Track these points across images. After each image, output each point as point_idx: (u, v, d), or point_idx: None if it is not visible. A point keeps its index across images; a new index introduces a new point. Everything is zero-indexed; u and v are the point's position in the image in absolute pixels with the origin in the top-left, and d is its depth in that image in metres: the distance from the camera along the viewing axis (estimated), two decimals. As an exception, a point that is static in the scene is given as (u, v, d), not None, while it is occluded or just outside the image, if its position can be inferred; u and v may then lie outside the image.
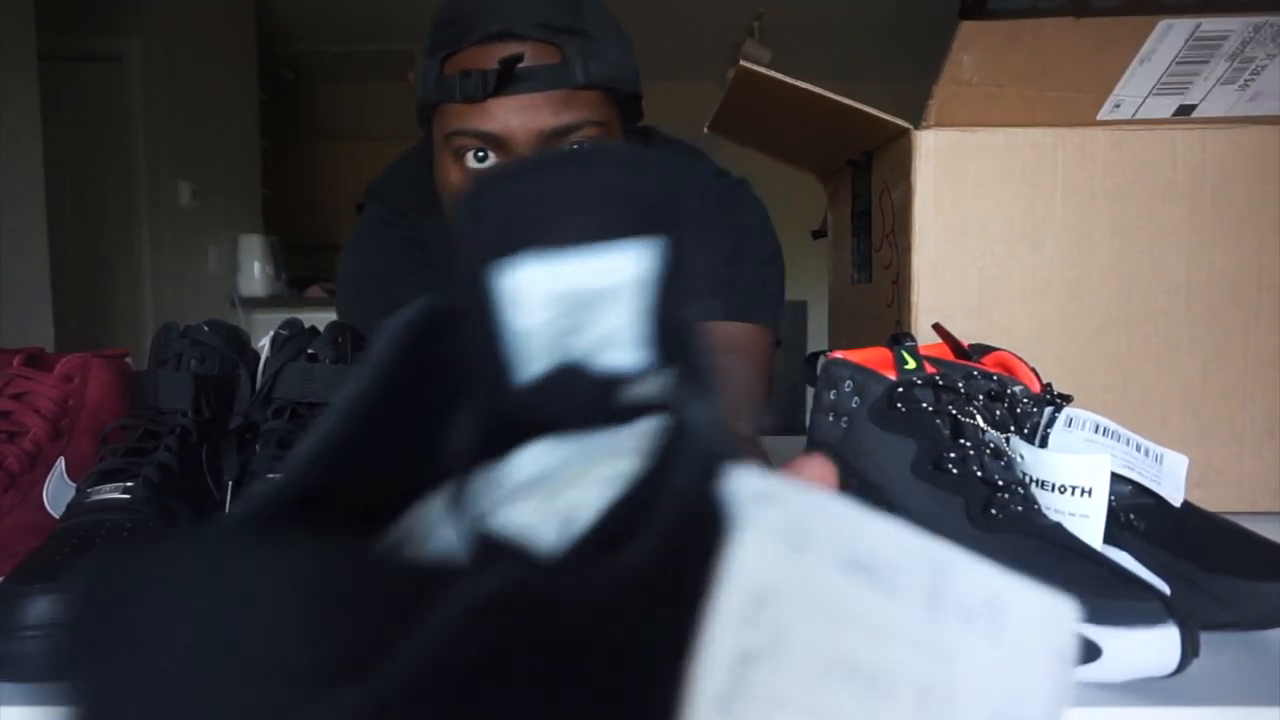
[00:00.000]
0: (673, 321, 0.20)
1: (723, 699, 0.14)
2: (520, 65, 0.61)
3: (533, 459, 0.21)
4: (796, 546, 0.15)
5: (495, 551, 0.19)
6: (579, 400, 0.20)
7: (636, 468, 0.19)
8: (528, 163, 0.19)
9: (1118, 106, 0.63)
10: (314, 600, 0.11)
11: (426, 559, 0.18)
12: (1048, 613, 0.18)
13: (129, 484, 0.47)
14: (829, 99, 0.66)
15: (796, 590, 0.15)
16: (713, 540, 0.16)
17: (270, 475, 0.49)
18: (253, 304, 3.41)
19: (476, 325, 0.20)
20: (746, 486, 0.16)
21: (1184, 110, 0.63)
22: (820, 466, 0.21)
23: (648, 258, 0.20)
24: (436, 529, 0.20)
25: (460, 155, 0.65)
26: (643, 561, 0.15)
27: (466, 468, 0.20)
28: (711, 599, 0.15)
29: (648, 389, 0.20)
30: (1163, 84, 0.61)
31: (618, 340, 0.20)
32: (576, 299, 0.20)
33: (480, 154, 0.65)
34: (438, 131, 0.67)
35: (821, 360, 0.50)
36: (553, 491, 0.20)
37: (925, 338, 0.55)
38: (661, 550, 0.15)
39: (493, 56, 0.61)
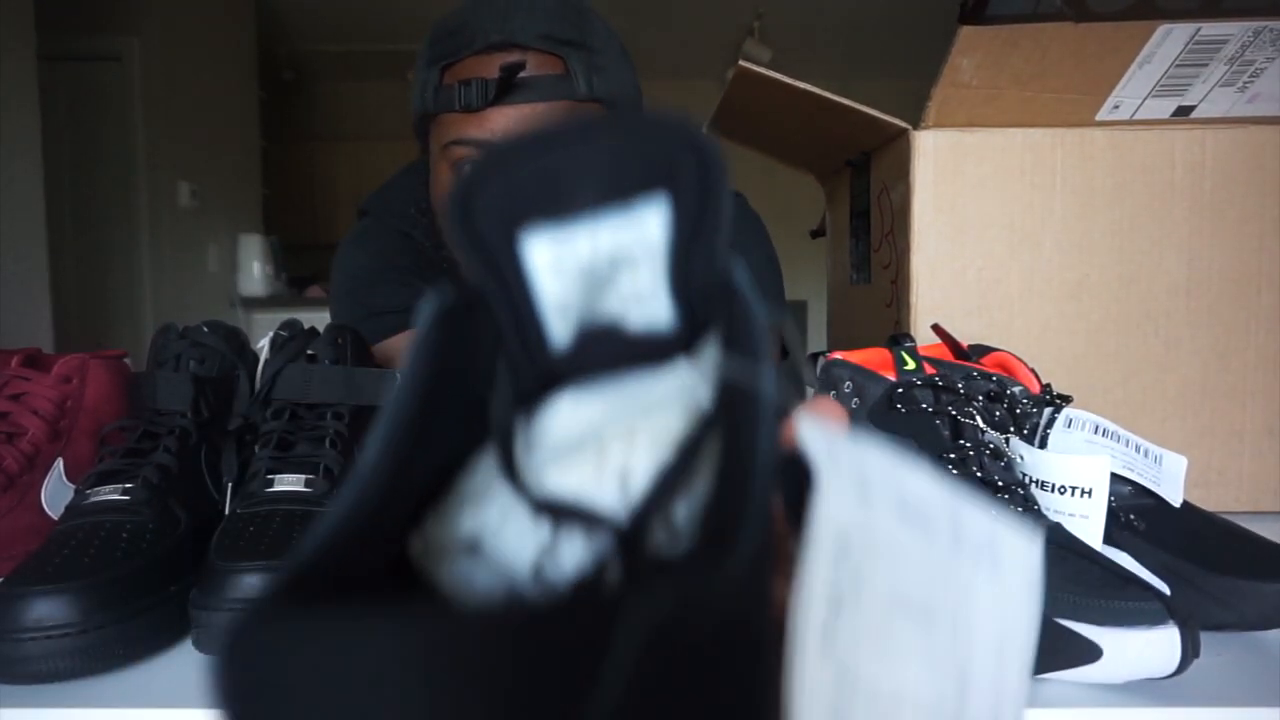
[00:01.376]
0: (703, 276, 0.19)
1: (823, 636, 0.15)
2: (522, 74, 0.61)
3: (569, 413, 0.21)
4: (863, 496, 0.16)
5: (568, 516, 0.19)
6: (613, 361, 0.20)
7: (683, 423, 0.19)
8: (528, 138, 0.18)
9: (1117, 107, 0.63)
10: (469, 673, 0.11)
11: (532, 584, 0.19)
12: (1026, 550, 0.19)
13: (128, 485, 0.47)
14: (828, 99, 0.66)
15: (867, 536, 0.16)
16: (804, 496, 0.16)
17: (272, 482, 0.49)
18: (253, 304, 3.41)
19: (502, 301, 0.20)
20: (814, 440, 0.16)
21: (1182, 111, 0.63)
22: (832, 405, 0.22)
23: (657, 216, 0.19)
24: (491, 490, 0.19)
25: (458, 167, 0.65)
26: (763, 541, 0.15)
27: (509, 434, 0.20)
28: (807, 546, 0.15)
29: (699, 353, 0.20)
30: (1162, 86, 0.61)
31: (645, 299, 0.20)
32: (596, 264, 0.20)
33: None
34: (435, 143, 0.67)
35: (821, 361, 0.50)
36: (601, 450, 0.20)
37: (924, 338, 0.55)
38: (768, 522, 0.16)
39: (494, 66, 0.61)
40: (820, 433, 0.16)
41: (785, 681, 0.15)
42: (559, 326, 0.20)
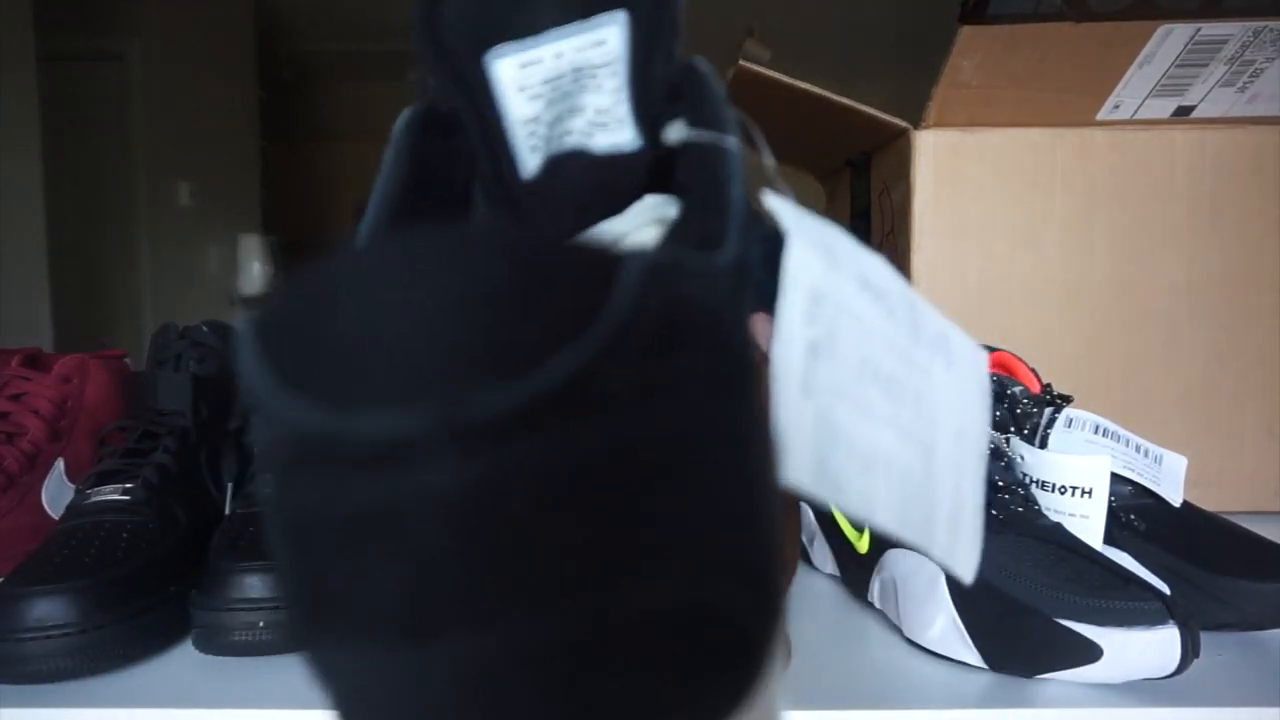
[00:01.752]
0: (662, 79, 0.19)
1: (802, 383, 0.16)
2: None
3: None
4: (830, 261, 0.17)
5: None
6: (582, 184, 0.20)
7: (655, 235, 0.20)
8: None
9: (1117, 107, 0.63)
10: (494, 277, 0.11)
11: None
12: (975, 352, 0.20)
13: (128, 485, 0.47)
14: (828, 99, 0.66)
15: (836, 295, 0.17)
16: (777, 244, 0.17)
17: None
18: (253, 304, 3.41)
19: (472, 116, 0.20)
20: (782, 208, 0.17)
21: (1183, 111, 0.63)
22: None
23: (617, 29, 0.19)
24: None
25: None
26: (736, 255, 0.16)
27: None
28: (782, 295, 0.16)
29: (673, 135, 0.20)
30: (1162, 86, 0.61)
31: (609, 120, 0.20)
32: (561, 82, 0.20)
33: None
34: None
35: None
36: None
37: (925, 338, 0.55)
38: (743, 250, 0.16)
39: None
40: (787, 204, 0.17)
41: (772, 407, 0.16)
42: (527, 148, 0.21)
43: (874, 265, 0.18)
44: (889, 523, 0.17)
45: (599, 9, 0.19)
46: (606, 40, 0.19)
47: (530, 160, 0.21)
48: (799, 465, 0.16)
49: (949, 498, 0.19)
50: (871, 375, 0.17)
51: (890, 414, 0.17)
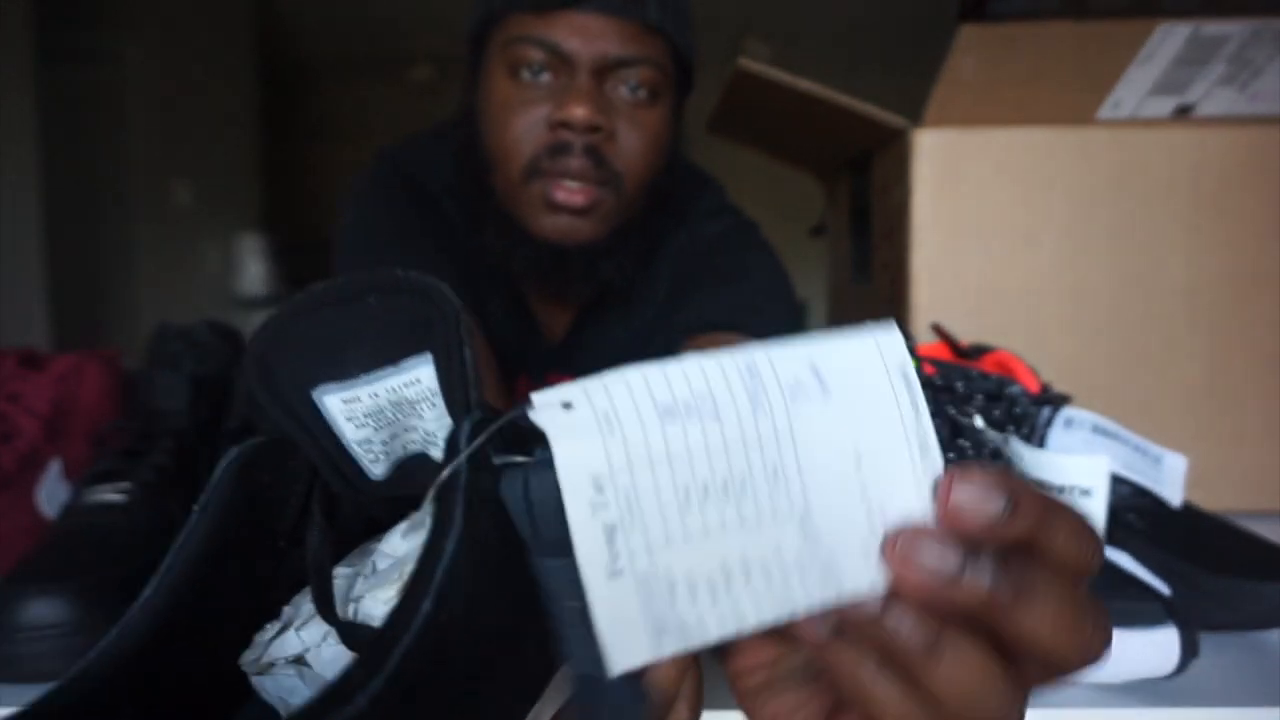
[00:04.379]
0: (469, 409, 0.22)
1: (608, 567, 0.17)
2: None
3: (399, 540, 0.24)
4: (608, 428, 0.18)
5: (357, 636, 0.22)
6: (428, 480, 0.23)
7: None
8: (302, 304, 0.23)
9: (1117, 105, 0.63)
10: None
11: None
12: (865, 345, 0.19)
13: (125, 485, 0.46)
14: (828, 99, 0.66)
15: (625, 460, 0.18)
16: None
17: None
18: (252, 304, 3.41)
19: (309, 443, 0.23)
20: (543, 406, 0.18)
21: (1183, 110, 0.63)
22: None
23: (429, 368, 0.23)
24: (308, 620, 0.23)
25: (515, 70, 0.63)
26: (442, 579, 0.18)
27: (323, 573, 0.23)
28: (565, 504, 0.17)
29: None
30: (1162, 84, 0.61)
31: (439, 439, 0.24)
32: (383, 414, 0.23)
33: (537, 70, 0.62)
34: (495, 45, 0.65)
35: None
36: (402, 573, 0.23)
37: (925, 338, 0.55)
38: (455, 563, 0.18)
39: None
40: (548, 398, 0.18)
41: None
42: (368, 460, 0.24)
43: (676, 375, 0.18)
44: (775, 615, 0.18)
45: (407, 353, 0.23)
46: (420, 379, 0.23)
47: (375, 468, 0.24)
48: (629, 644, 0.17)
49: (861, 520, 0.19)
50: (697, 497, 0.18)
51: (732, 516, 0.18)
